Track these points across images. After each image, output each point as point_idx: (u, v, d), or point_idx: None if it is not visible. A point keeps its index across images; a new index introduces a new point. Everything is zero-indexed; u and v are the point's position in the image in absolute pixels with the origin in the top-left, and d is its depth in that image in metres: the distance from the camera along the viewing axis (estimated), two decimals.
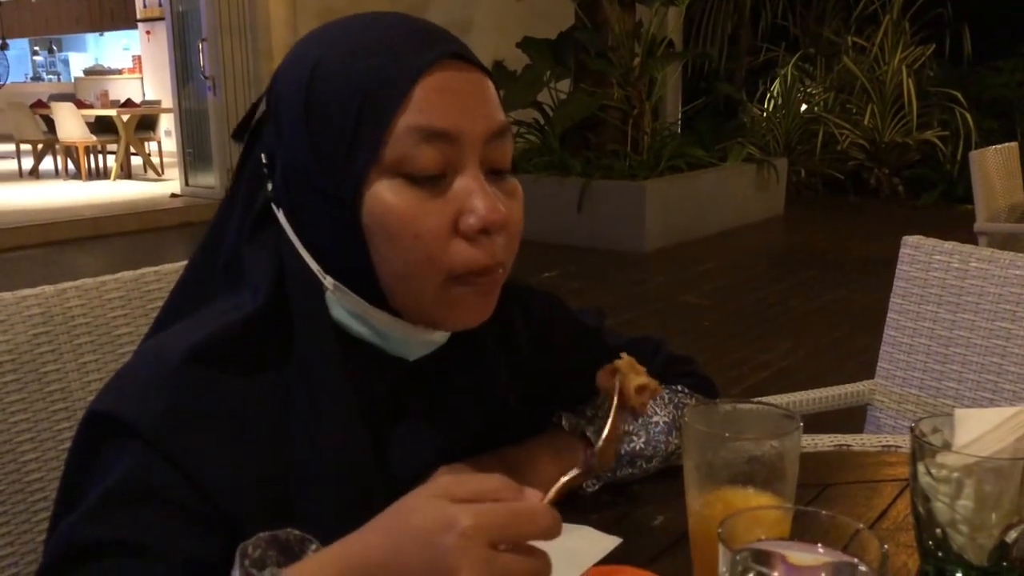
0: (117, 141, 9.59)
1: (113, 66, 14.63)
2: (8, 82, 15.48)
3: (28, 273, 5.75)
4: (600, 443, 0.81)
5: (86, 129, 9.41)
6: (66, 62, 16.67)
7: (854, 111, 8.35)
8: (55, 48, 16.95)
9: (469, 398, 0.82)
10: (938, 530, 0.69)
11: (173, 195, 8.24)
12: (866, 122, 8.14)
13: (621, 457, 0.90)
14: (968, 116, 7.77)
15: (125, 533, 0.63)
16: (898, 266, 1.56)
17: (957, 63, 8.68)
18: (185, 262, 0.83)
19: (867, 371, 1.62)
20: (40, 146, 10.10)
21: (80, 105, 9.86)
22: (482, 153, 0.71)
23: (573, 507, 0.59)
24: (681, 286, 5.28)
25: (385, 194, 0.69)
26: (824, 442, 1.20)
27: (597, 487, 0.89)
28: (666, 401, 0.94)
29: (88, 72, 14.53)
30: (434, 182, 0.70)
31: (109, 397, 0.69)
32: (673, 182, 6.48)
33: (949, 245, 1.51)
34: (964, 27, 8.54)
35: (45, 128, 9.92)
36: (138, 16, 12.95)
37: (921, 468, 0.69)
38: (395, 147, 0.68)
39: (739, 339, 4.25)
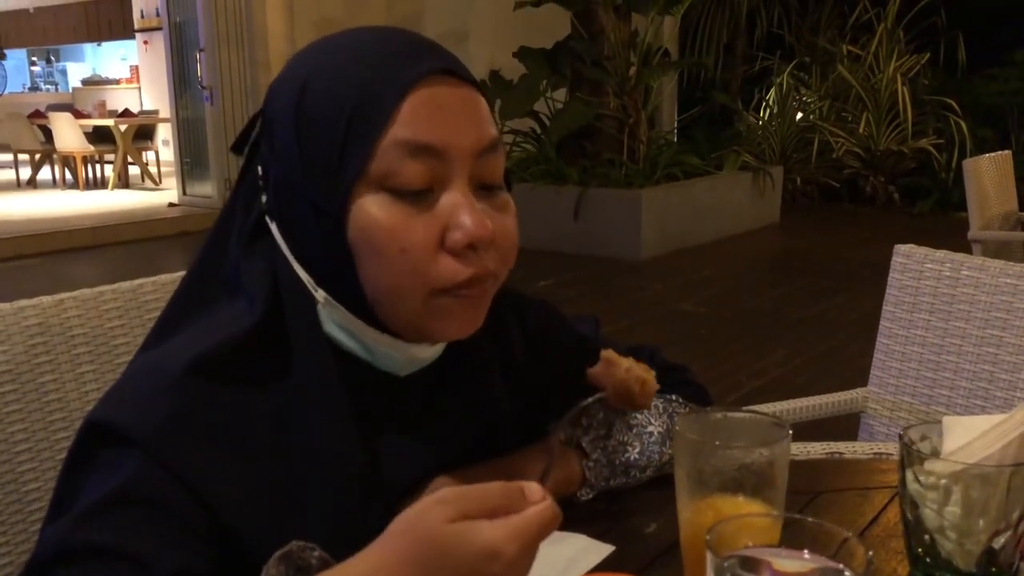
0: (115, 151, 9.60)
1: (111, 76, 14.65)
2: (6, 92, 15.51)
3: (26, 283, 5.73)
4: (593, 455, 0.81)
5: (84, 139, 9.42)
6: (64, 72, 16.69)
7: (849, 119, 8.36)
8: (53, 58, 16.97)
9: (465, 407, 0.82)
10: (926, 536, 0.70)
11: (170, 204, 8.25)
12: (861, 130, 8.15)
13: (616, 467, 0.90)
14: (963, 124, 7.79)
15: (117, 539, 0.63)
16: (890, 274, 1.56)
17: (952, 71, 8.70)
18: (182, 272, 0.83)
19: (864, 378, 1.62)
20: (38, 156, 10.11)
21: (78, 115, 9.88)
22: (472, 168, 0.71)
23: (566, 515, 0.59)
24: (677, 294, 5.29)
25: (371, 208, 0.69)
26: (816, 449, 1.21)
27: (591, 496, 0.90)
28: (660, 411, 0.94)
29: (86, 82, 14.55)
30: (420, 197, 0.70)
31: (108, 407, 0.69)
32: (669, 190, 6.50)
33: (941, 253, 1.51)
34: (958, 36, 8.56)
35: (43, 138, 9.93)
36: (136, 26, 12.97)
37: (909, 475, 0.70)
38: (381, 161, 0.69)
39: (735, 346, 4.25)
